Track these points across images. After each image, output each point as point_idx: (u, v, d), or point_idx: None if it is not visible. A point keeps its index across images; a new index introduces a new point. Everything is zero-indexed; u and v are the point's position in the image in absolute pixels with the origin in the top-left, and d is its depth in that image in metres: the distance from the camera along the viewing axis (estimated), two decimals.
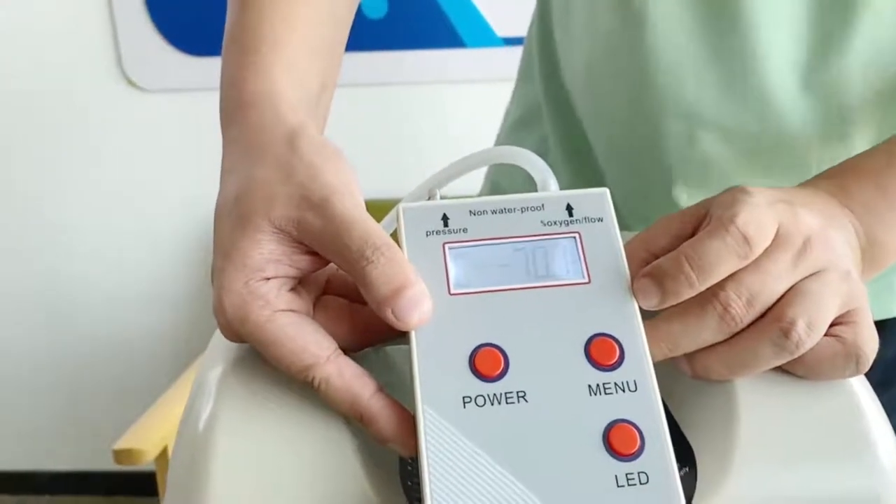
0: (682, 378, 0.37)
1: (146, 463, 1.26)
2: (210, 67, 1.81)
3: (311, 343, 0.33)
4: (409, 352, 0.32)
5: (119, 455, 1.22)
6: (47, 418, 2.14)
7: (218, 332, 0.40)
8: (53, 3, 1.83)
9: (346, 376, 0.33)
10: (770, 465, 0.32)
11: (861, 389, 0.35)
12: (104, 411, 2.09)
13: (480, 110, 1.79)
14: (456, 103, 1.84)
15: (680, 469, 0.34)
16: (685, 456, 0.34)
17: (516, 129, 0.71)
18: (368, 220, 0.34)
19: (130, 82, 1.86)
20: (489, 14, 1.74)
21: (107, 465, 2.04)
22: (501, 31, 1.74)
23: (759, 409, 0.34)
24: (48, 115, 1.91)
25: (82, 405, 2.11)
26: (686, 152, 0.56)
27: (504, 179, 0.70)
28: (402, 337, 0.33)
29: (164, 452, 1.32)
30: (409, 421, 0.32)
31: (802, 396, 0.35)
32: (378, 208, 0.51)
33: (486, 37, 1.75)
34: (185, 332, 2.03)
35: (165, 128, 1.89)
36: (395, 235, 0.38)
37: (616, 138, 0.61)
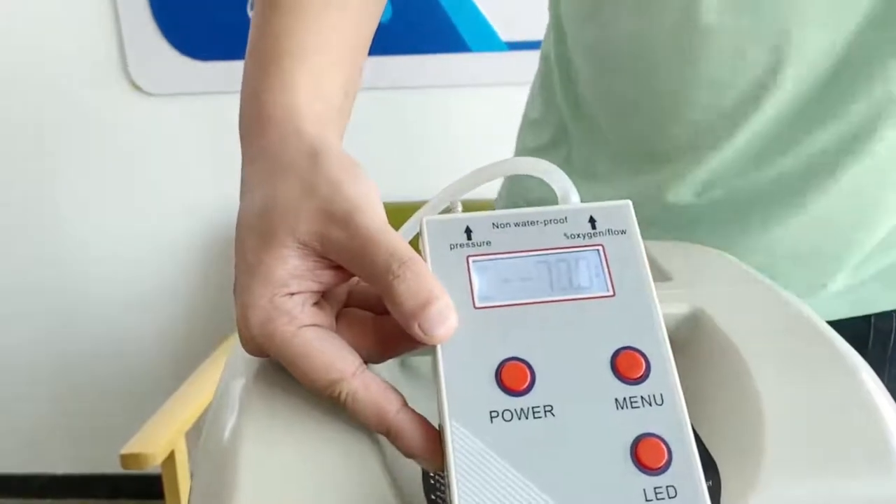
0: (705, 390, 0.37)
1: (153, 467, 1.26)
2: (215, 71, 1.81)
3: (337, 358, 0.34)
4: (435, 366, 0.32)
5: (126, 460, 1.22)
6: (50, 421, 2.14)
7: (237, 346, 0.40)
8: (58, 8, 1.83)
9: (373, 391, 0.33)
10: (795, 477, 0.32)
11: (884, 402, 0.35)
12: (107, 414, 2.09)
13: (485, 114, 1.79)
14: (460, 107, 1.84)
15: (704, 481, 0.34)
16: (709, 468, 0.34)
17: (542, 152, 0.71)
18: (393, 235, 0.34)
19: (136, 86, 1.86)
20: (494, 19, 1.74)
21: (110, 467, 2.04)
22: (506, 36, 1.74)
23: (783, 421, 0.34)
24: (54, 119, 1.91)
25: (85, 408, 2.11)
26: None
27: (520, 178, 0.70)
28: (424, 348, 0.34)
29: (170, 456, 1.32)
30: (435, 436, 0.32)
31: (827, 409, 0.35)
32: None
33: (490, 41, 1.75)
34: (189, 334, 2.03)
35: (171, 132, 1.89)
36: (412, 243, 0.38)
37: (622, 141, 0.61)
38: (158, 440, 1.27)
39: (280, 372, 0.36)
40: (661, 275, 0.48)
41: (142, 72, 1.84)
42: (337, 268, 0.35)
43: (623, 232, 0.35)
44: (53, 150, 1.93)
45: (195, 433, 1.30)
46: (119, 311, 2.04)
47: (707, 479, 0.34)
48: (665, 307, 0.37)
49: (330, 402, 0.34)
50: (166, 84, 1.85)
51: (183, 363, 1.97)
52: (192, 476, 0.37)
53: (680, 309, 0.42)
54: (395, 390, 0.34)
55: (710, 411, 0.37)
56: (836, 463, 0.33)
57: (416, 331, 0.32)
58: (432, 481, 0.35)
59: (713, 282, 0.48)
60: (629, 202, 0.36)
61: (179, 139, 1.90)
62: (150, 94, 1.87)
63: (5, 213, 1.99)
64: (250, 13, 0.50)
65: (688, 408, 0.32)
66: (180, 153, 1.91)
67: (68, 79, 1.88)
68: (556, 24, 0.68)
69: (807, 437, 0.34)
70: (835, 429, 0.34)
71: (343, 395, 0.33)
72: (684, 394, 0.32)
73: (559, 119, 0.69)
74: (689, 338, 0.42)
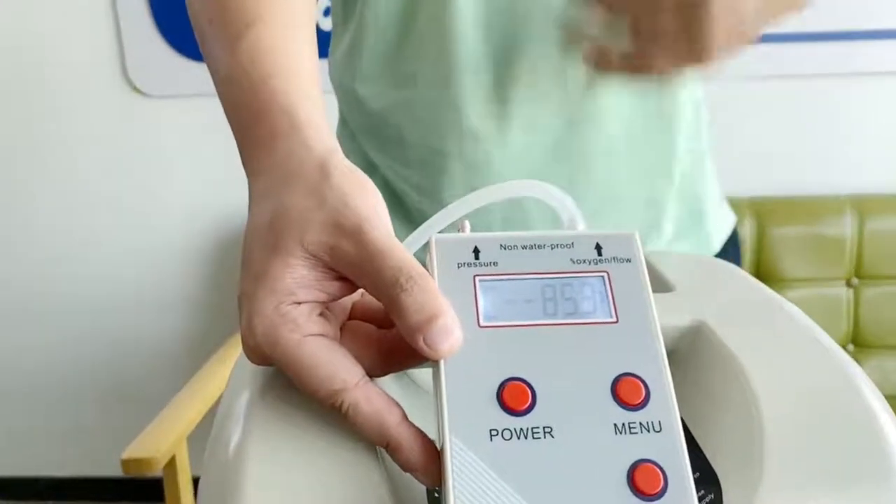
0: (706, 402, 0.37)
1: (155, 472, 1.27)
2: None
3: (340, 368, 0.34)
4: (437, 382, 0.33)
5: (127, 464, 1.22)
6: (52, 424, 2.14)
7: (241, 358, 0.40)
8: (58, 10, 1.83)
9: (375, 402, 0.34)
10: (796, 490, 0.33)
11: (884, 415, 0.36)
12: (109, 417, 2.09)
13: None
14: None
15: (705, 495, 0.34)
16: (710, 481, 0.35)
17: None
18: (401, 249, 0.35)
19: (135, 88, 1.86)
20: None
21: (111, 470, 2.04)
22: None
23: (784, 434, 0.35)
24: (53, 121, 1.91)
25: (87, 411, 2.11)
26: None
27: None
28: (427, 363, 0.34)
29: (172, 460, 1.32)
30: (434, 451, 0.33)
31: (827, 421, 0.35)
32: None
33: None
34: (191, 338, 2.04)
35: (170, 133, 1.90)
36: (416, 256, 0.38)
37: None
38: (160, 444, 1.27)
39: (285, 385, 0.36)
40: (663, 285, 0.48)
41: (141, 74, 1.85)
42: (343, 279, 0.36)
43: (628, 260, 0.35)
44: (53, 151, 1.93)
45: (196, 437, 1.31)
46: (119, 315, 2.04)
47: (708, 493, 0.34)
48: (667, 318, 0.37)
49: (334, 417, 0.34)
50: (166, 86, 1.85)
51: (184, 367, 1.97)
52: (197, 492, 0.37)
53: (682, 320, 0.42)
54: (397, 403, 0.34)
55: (710, 423, 0.38)
56: (836, 476, 0.33)
57: (421, 345, 0.33)
58: (436, 494, 0.36)
59: (715, 293, 0.49)
60: (636, 232, 0.37)
61: (179, 141, 1.90)
62: (149, 96, 1.87)
63: (5, 215, 1.99)
64: None
65: (688, 420, 0.32)
66: (180, 155, 1.91)
67: (68, 81, 1.88)
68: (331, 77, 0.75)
69: (807, 449, 0.34)
70: (835, 442, 0.35)
71: (345, 406, 0.34)
72: (685, 405, 0.32)
73: (361, 149, 0.74)
74: (691, 349, 0.42)
